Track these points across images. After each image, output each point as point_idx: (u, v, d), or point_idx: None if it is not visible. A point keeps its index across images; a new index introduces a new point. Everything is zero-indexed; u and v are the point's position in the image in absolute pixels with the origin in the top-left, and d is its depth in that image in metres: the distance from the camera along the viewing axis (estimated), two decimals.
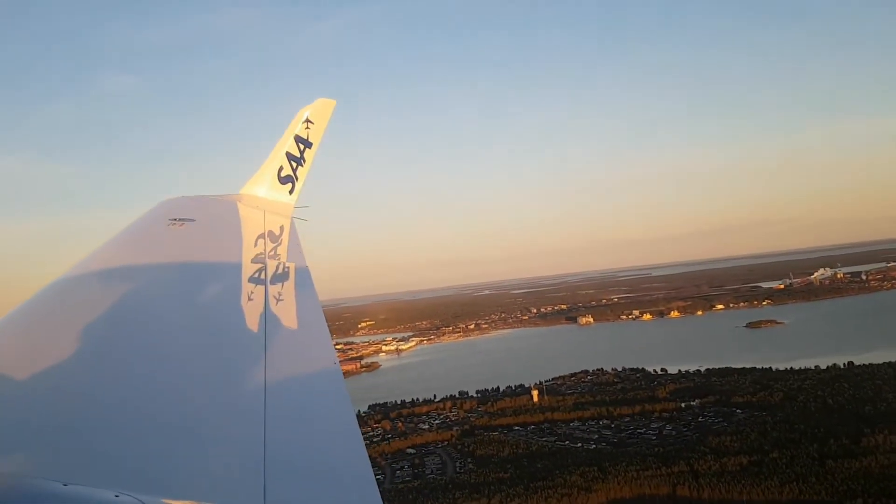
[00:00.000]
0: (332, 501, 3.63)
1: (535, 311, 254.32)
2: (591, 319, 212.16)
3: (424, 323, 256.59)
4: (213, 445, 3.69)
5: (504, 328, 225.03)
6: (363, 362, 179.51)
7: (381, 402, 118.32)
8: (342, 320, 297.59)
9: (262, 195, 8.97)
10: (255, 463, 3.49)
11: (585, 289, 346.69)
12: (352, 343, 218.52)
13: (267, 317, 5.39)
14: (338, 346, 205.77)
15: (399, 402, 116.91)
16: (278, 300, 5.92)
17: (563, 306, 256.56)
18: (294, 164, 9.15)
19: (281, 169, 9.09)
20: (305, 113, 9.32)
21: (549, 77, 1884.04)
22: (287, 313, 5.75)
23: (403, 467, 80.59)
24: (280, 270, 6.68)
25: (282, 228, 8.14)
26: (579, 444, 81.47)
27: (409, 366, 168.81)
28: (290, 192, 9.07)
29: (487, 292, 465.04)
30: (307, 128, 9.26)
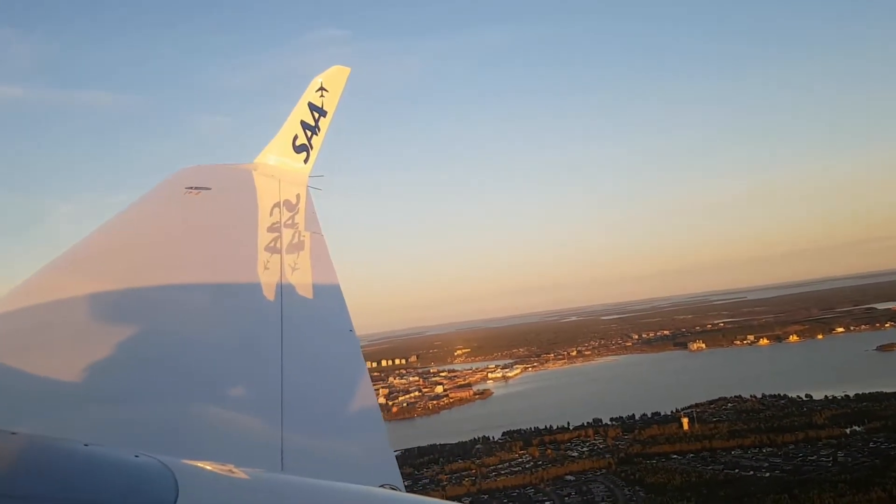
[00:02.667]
0: (350, 469, 3.62)
1: (636, 337, 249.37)
2: (703, 345, 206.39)
3: (521, 350, 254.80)
4: (231, 410, 3.76)
5: (608, 355, 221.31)
6: (475, 389, 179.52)
7: (515, 428, 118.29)
8: (435, 348, 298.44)
9: (277, 164, 8.94)
10: (273, 428, 3.52)
11: (681, 314, 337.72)
12: (454, 371, 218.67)
13: (283, 285, 5.39)
14: (442, 374, 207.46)
15: (533, 429, 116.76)
16: (294, 269, 5.92)
17: (666, 332, 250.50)
18: (309, 133, 9.08)
19: (296, 137, 9.05)
20: (319, 80, 9.22)
21: (624, 80, 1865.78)
22: (303, 282, 5.76)
23: (570, 494, 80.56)
24: (296, 239, 6.64)
25: (298, 197, 8.12)
26: (751, 472, 79.56)
27: (523, 393, 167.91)
28: (305, 161, 9.01)
29: (574, 318, 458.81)
30: (321, 96, 9.16)
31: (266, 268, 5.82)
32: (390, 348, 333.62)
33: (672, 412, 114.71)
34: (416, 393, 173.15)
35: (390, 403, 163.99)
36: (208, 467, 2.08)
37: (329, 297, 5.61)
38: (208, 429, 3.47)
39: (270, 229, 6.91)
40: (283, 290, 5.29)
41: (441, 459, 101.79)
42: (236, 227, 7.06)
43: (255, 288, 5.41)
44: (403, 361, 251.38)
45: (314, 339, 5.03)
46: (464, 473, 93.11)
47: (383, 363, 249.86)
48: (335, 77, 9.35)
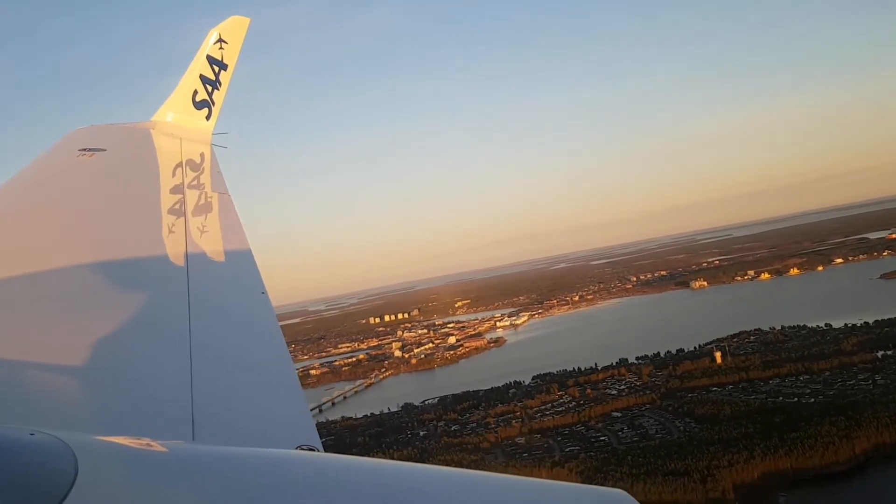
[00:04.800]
0: (266, 433, 3.56)
1: (634, 279, 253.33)
2: (705, 283, 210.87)
3: (522, 298, 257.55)
4: (137, 381, 3.58)
5: (611, 298, 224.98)
6: (487, 338, 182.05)
7: (544, 372, 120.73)
8: (434, 301, 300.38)
9: (177, 122, 8.51)
10: (182, 397, 3.38)
11: (672, 254, 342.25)
12: (460, 321, 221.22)
13: (190, 249, 5.18)
14: (449, 325, 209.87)
15: (561, 371, 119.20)
16: (202, 231, 5.71)
17: (663, 273, 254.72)
18: (210, 88, 8.68)
19: (196, 93, 8.63)
20: (217, 32, 8.80)
21: (603, 17, 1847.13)
22: (211, 245, 5.56)
23: (623, 429, 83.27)
24: (202, 201, 6.40)
25: (201, 156, 7.78)
26: (795, 399, 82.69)
27: (537, 338, 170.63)
28: (207, 117, 8.63)
29: (564, 265, 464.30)
30: (221, 48, 8.74)
31: (171, 231, 5.54)
32: (386, 304, 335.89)
33: (696, 348, 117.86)
34: (430, 345, 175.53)
35: (407, 356, 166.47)
36: (112, 441, 1.97)
37: (239, 258, 5.44)
38: (114, 402, 3.28)
39: (173, 191, 6.58)
40: (190, 253, 5.09)
41: (482, 404, 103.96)
42: (136, 189, 6.70)
43: (160, 253, 5.19)
44: (406, 315, 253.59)
45: (224, 302, 4.87)
46: (509, 416, 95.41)
47: (386, 318, 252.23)
48: (234, 28, 8.88)
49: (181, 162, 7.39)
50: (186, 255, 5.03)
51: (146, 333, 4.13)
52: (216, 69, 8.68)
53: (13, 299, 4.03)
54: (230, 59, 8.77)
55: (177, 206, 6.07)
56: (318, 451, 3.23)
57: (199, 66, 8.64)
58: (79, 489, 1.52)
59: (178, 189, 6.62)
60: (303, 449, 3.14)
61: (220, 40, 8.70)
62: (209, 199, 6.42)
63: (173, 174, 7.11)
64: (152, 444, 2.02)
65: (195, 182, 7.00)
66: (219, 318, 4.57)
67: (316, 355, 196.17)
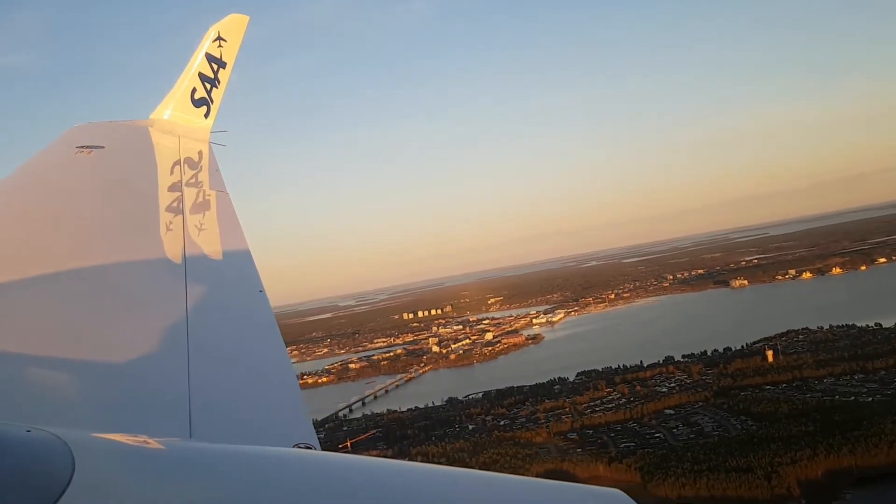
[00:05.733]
0: (263, 431, 3.55)
1: (670, 277, 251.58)
2: (746, 282, 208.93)
3: (555, 296, 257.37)
4: (134, 378, 3.58)
5: (648, 296, 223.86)
6: (525, 335, 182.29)
7: (589, 369, 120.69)
8: (465, 298, 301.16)
9: (176, 120, 8.50)
10: (179, 394, 3.39)
11: (708, 252, 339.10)
12: (494, 318, 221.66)
13: (187, 247, 5.18)
14: (485, 322, 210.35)
15: (606, 368, 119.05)
16: (199, 230, 5.68)
17: (700, 271, 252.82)
18: (208, 86, 8.69)
19: (194, 91, 8.63)
20: (216, 30, 8.79)
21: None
22: (209, 243, 5.55)
23: (677, 426, 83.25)
24: (200, 199, 6.41)
25: (200, 154, 7.76)
26: (852, 398, 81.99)
27: (575, 336, 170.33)
28: (206, 115, 8.63)
29: (594, 263, 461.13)
30: (220, 46, 8.74)
31: (169, 229, 5.54)
32: (416, 300, 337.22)
33: (743, 346, 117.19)
34: (467, 341, 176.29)
35: (444, 351, 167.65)
36: (109, 438, 1.98)
37: (237, 256, 5.45)
38: (111, 399, 3.29)
39: (172, 189, 6.58)
40: (188, 251, 5.10)
41: (529, 400, 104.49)
42: (134, 187, 6.70)
43: (158, 250, 5.17)
44: (439, 311, 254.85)
45: (222, 300, 4.87)
46: (558, 411, 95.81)
47: (420, 314, 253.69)
48: (233, 26, 8.89)
49: (179, 160, 7.39)
50: (184, 253, 5.04)
51: (143, 331, 4.11)
52: (215, 67, 8.71)
53: (11, 296, 3.99)
54: (229, 57, 8.81)
55: (175, 204, 6.05)
56: (315, 449, 3.22)
57: (198, 63, 8.67)
58: (75, 486, 1.51)
59: (176, 187, 6.62)
60: (299, 447, 3.14)
61: (220, 38, 8.74)
62: (207, 198, 6.43)
63: (171, 172, 7.09)
64: (149, 441, 2.00)
65: (193, 180, 7.00)
66: (216, 315, 4.55)
67: (352, 349, 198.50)
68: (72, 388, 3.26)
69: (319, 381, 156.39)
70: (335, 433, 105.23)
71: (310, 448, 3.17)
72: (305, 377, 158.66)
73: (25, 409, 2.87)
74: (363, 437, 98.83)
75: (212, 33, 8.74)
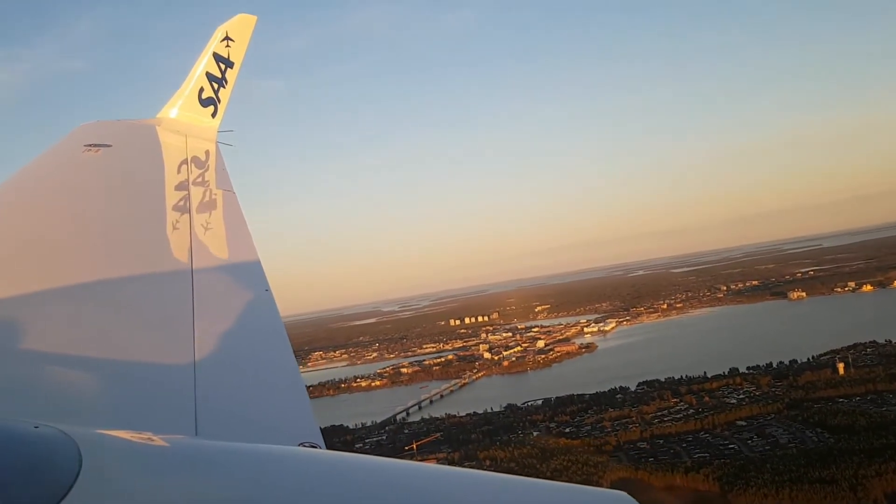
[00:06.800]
0: (268, 430, 3.52)
1: (724, 288, 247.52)
2: (804, 294, 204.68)
3: (604, 305, 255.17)
4: (141, 375, 3.57)
5: (702, 307, 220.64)
6: (578, 343, 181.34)
7: (651, 379, 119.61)
8: (512, 305, 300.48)
9: (183, 119, 8.55)
10: (186, 392, 3.37)
11: (761, 263, 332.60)
12: (543, 326, 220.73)
13: (193, 246, 5.18)
14: (534, 329, 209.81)
15: (668, 379, 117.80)
16: (206, 229, 5.67)
17: (755, 282, 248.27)
18: (216, 86, 8.72)
19: (202, 90, 8.67)
20: (224, 30, 8.82)
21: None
22: (215, 242, 5.57)
23: (751, 437, 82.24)
24: (207, 198, 6.40)
25: (207, 153, 7.77)
26: None
27: (630, 346, 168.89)
28: (213, 115, 8.67)
29: (642, 272, 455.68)
30: (227, 46, 8.77)
31: (175, 228, 5.55)
32: (461, 307, 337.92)
33: (811, 358, 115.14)
34: (518, 348, 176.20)
35: (496, 358, 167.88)
36: (115, 435, 2.00)
37: (243, 256, 5.44)
38: (119, 396, 3.31)
39: (178, 188, 6.60)
40: (195, 250, 5.11)
41: (592, 408, 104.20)
42: (141, 186, 6.73)
43: (164, 249, 5.22)
44: (486, 318, 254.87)
45: (228, 299, 4.87)
46: (625, 420, 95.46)
47: (467, 321, 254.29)
48: (241, 26, 8.95)
49: (186, 159, 7.41)
50: (190, 252, 5.04)
51: (149, 329, 4.16)
52: (223, 67, 8.78)
53: (18, 294, 4.01)
54: (237, 56, 8.89)
55: (181, 203, 6.04)
56: (320, 448, 3.20)
57: (206, 63, 8.73)
58: (83, 482, 1.52)
59: (182, 186, 6.62)
60: (305, 446, 3.14)
61: (227, 38, 8.80)
62: (214, 197, 6.45)
63: (178, 171, 7.12)
64: (155, 438, 2.03)
65: (200, 179, 7.01)
66: (222, 314, 4.56)
67: (402, 354, 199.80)
68: (79, 386, 3.26)
69: (373, 384, 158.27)
70: (397, 435, 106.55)
71: (315, 447, 3.15)
72: (359, 380, 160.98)
73: (33, 407, 2.87)
74: (426, 440, 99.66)
75: (219, 33, 8.86)
